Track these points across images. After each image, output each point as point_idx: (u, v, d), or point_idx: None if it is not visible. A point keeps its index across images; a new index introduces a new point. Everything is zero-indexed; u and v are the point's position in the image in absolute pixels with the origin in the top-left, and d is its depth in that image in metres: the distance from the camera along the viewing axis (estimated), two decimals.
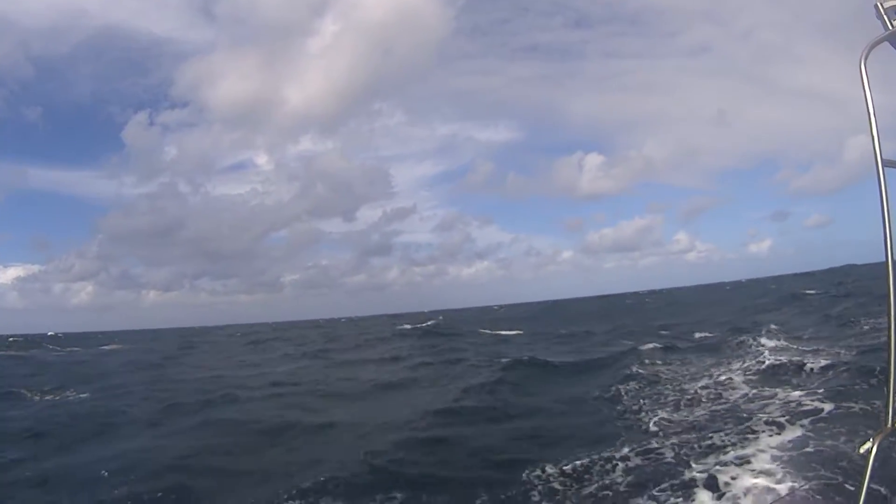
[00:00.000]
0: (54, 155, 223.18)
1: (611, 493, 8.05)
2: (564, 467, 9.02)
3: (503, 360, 21.72)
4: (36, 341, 64.29)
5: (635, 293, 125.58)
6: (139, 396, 19.17)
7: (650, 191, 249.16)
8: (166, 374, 26.90)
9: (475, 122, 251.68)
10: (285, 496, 8.82)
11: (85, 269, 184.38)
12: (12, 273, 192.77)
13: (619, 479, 8.51)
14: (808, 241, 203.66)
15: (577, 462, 9.19)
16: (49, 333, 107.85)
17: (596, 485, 8.40)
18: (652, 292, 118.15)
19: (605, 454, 9.47)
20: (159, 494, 9.25)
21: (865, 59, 2.08)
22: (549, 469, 9.03)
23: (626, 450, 9.58)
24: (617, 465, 9.03)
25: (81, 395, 20.54)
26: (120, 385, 22.41)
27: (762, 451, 8.73)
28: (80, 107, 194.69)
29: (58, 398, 20.43)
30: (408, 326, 51.40)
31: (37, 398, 20.53)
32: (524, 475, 8.91)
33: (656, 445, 9.70)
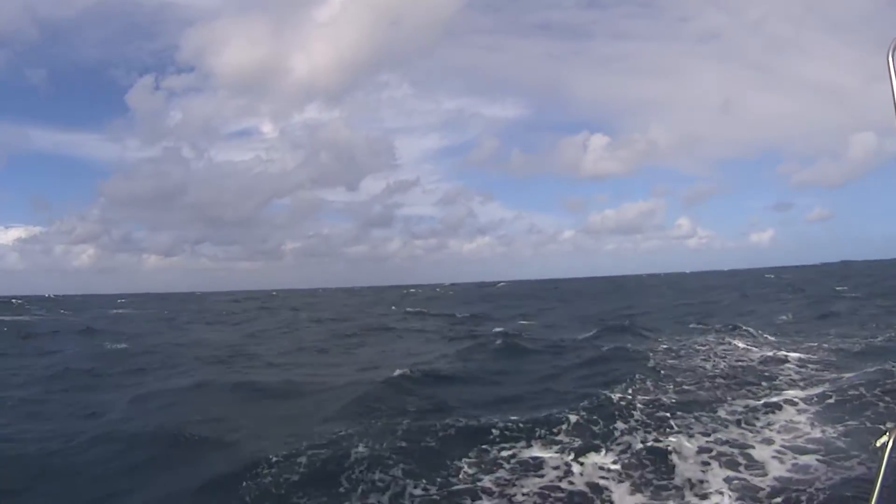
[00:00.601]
0: (57, 117, 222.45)
1: None
2: None
3: None
4: (48, 306, 64.60)
5: (636, 276, 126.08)
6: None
7: (654, 174, 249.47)
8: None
9: (482, 98, 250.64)
10: None
11: (86, 232, 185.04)
12: (13, 234, 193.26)
13: None
14: (808, 233, 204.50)
15: None
16: (48, 295, 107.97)
17: None
18: (653, 276, 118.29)
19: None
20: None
21: (893, 51, 2.08)
22: None
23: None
24: None
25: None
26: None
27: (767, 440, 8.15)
28: (85, 69, 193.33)
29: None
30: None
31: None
32: None
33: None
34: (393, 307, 47.27)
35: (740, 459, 7.32)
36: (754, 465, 7.16)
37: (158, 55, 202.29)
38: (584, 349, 16.90)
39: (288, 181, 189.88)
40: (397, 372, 13.04)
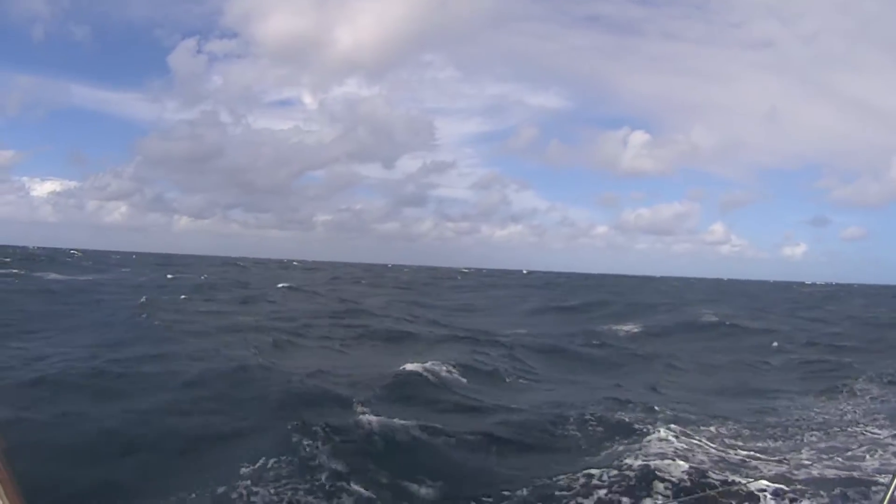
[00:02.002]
0: (99, 74, 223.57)
1: None
2: None
3: None
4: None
5: (663, 278, 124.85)
6: None
7: (692, 177, 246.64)
8: None
9: (526, 86, 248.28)
10: None
11: (120, 189, 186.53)
12: (48, 187, 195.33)
13: None
14: (842, 252, 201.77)
15: None
16: (71, 251, 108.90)
17: None
18: (683, 280, 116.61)
19: None
20: None
21: None
22: None
23: None
24: None
25: None
26: None
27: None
28: (129, 28, 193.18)
29: None
30: None
31: None
32: None
33: None
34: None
35: None
36: None
37: (204, 19, 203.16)
38: None
39: (324, 153, 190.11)
40: None
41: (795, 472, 7.88)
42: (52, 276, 41.40)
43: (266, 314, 24.43)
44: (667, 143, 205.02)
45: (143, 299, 24.67)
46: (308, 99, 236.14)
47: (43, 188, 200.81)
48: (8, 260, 54.08)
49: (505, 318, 30.45)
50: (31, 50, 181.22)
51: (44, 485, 6.54)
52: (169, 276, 46.99)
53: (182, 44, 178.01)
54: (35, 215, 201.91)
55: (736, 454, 8.96)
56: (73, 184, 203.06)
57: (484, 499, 7.33)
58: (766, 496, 6.71)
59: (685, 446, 8.92)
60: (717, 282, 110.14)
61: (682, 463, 7.82)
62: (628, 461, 8.06)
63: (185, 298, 28.27)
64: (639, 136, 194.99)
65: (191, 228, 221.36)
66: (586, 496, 7.20)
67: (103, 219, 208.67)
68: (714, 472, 7.66)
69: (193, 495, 6.91)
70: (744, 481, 7.10)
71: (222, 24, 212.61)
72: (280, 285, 40.20)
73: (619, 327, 26.50)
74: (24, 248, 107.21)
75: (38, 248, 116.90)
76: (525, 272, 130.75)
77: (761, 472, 7.86)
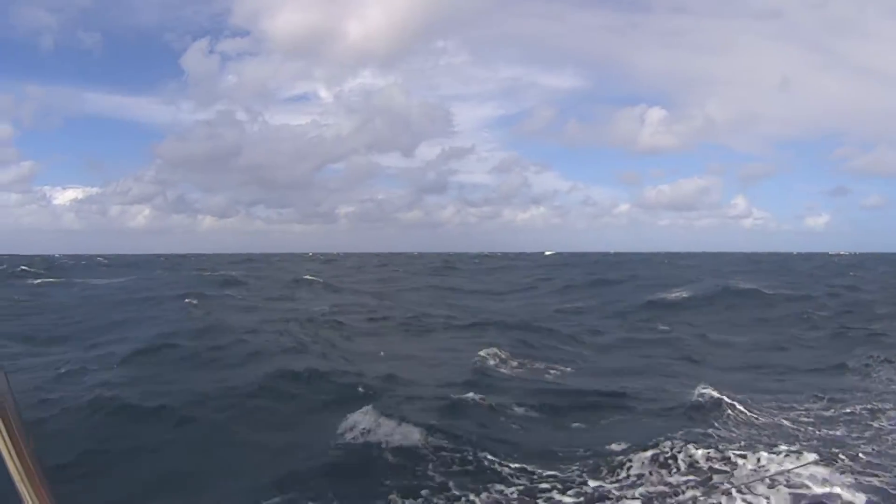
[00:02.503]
0: (112, 80, 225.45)
1: None
2: None
3: None
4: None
5: (689, 253, 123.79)
6: None
7: (710, 151, 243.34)
8: None
9: (540, 67, 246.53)
10: None
11: (142, 193, 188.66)
12: (70, 195, 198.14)
13: None
14: (863, 221, 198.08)
15: None
16: (97, 257, 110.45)
17: None
18: (711, 255, 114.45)
19: None
20: None
21: None
22: None
23: None
24: None
25: None
26: None
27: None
28: (138, 33, 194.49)
29: None
30: None
31: None
32: None
33: None
34: None
35: None
36: None
37: (213, 19, 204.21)
38: None
39: (343, 146, 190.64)
40: None
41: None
42: (94, 281, 42.25)
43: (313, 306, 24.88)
44: (683, 119, 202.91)
45: (186, 295, 25.20)
46: (323, 92, 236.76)
47: (64, 196, 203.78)
48: (44, 270, 55.08)
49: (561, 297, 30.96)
50: (42, 60, 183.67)
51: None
52: (206, 272, 47.69)
53: (193, 45, 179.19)
54: (58, 223, 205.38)
55: None
56: (94, 190, 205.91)
57: None
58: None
59: None
60: (747, 255, 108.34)
61: None
62: None
63: (226, 294, 28.91)
64: (656, 113, 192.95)
65: (215, 228, 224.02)
66: None
67: (127, 223, 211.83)
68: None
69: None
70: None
71: (232, 22, 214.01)
72: (306, 277, 40.62)
73: (666, 295, 27.23)
74: (50, 256, 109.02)
75: (63, 255, 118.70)
76: (547, 253, 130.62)
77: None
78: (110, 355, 13.31)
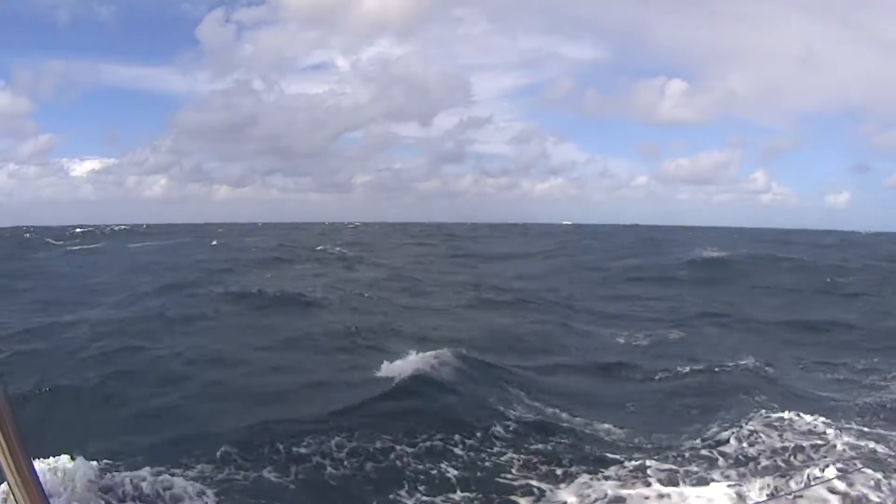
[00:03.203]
0: (129, 52, 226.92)
1: None
2: None
3: None
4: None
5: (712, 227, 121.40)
6: None
7: (731, 124, 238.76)
8: None
9: (560, 37, 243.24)
10: None
11: (158, 163, 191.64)
12: (88, 166, 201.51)
13: None
14: (886, 199, 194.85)
15: None
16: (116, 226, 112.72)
17: None
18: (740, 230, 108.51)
19: None
20: None
21: None
22: None
23: None
24: None
25: None
26: None
27: None
28: (155, 4, 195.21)
29: None
30: None
31: None
32: None
33: None
34: None
35: None
36: None
37: None
38: None
39: (360, 115, 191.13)
40: None
41: None
42: (148, 243, 45.63)
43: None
44: (704, 91, 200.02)
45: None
46: (341, 61, 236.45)
47: (82, 168, 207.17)
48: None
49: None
50: (59, 34, 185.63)
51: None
52: (214, 242, 49.75)
53: (209, 15, 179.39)
54: (76, 195, 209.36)
55: None
56: (112, 161, 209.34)
57: None
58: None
59: None
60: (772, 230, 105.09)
61: None
62: None
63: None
64: (676, 85, 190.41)
65: (231, 197, 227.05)
66: None
67: (143, 193, 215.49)
68: None
69: None
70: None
71: None
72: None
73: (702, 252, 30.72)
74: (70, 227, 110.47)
75: (80, 225, 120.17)
76: (568, 223, 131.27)
77: None
78: None
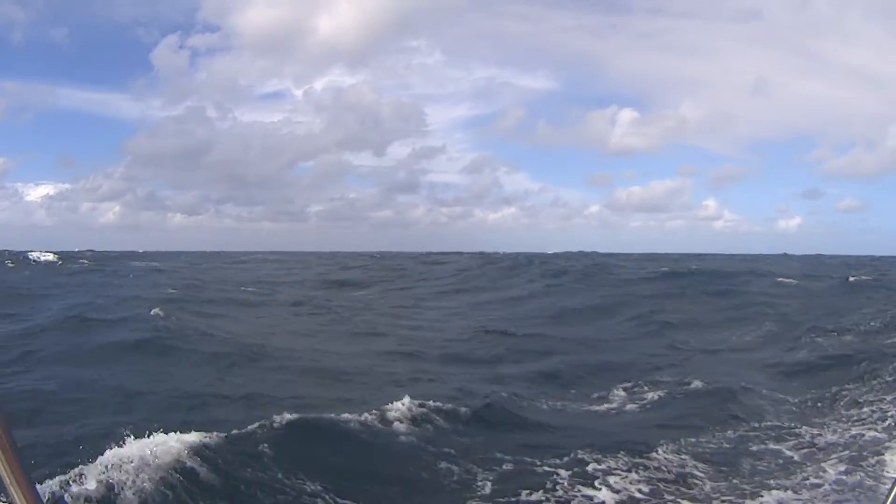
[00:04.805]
0: (83, 76, 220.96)
1: None
2: None
3: None
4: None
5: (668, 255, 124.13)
6: None
7: (683, 152, 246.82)
8: None
9: (514, 68, 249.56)
10: None
11: (112, 190, 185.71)
12: (42, 191, 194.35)
13: None
14: (838, 224, 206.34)
15: None
16: (76, 250, 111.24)
17: None
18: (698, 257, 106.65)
19: None
20: None
21: None
22: None
23: None
24: None
25: None
26: None
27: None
28: (109, 28, 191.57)
29: None
30: None
31: None
32: None
33: None
34: None
35: None
36: None
37: (185, 14, 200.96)
38: None
39: (314, 144, 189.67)
40: None
41: None
42: (134, 263, 45.85)
43: None
44: (656, 120, 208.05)
45: None
46: (295, 89, 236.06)
47: (37, 192, 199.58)
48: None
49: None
50: (12, 55, 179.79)
51: None
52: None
53: (164, 40, 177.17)
54: (31, 220, 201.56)
55: None
56: (66, 186, 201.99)
57: None
58: None
59: None
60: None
61: None
62: None
63: None
64: (627, 114, 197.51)
65: (185, 225, 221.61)
66: None
67: (98, 220, 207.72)
68: None
69: None
70: None
71: (202, 17, 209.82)
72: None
73: None
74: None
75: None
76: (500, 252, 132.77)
77: None
78: None
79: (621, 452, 8.41)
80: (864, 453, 8.53)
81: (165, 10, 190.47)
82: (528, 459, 8.24)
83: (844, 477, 7.76)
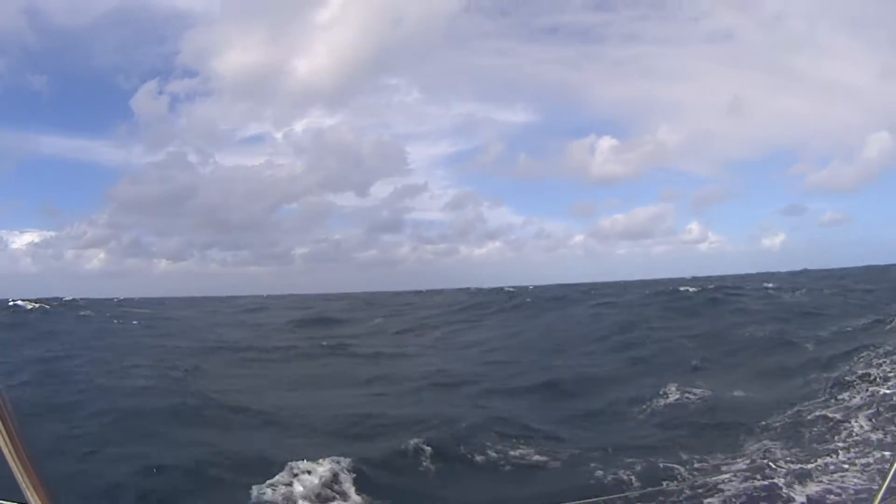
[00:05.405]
0: (65, 123, 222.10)
1: None
2: None
3: None
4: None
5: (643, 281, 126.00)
6: None
7: (664, 177, 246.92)
8: None
9: (492, 103, 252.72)
10: None
11: (96, 237, 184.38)
12: (27, 238, 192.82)
13: None
14: (821, 238, 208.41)
15: None
16: (66, 298, 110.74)
17: None
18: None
19: None
20: None
21: None
22: None
23: None
24: None
25: None
26: None
27: None
28: (89, 75, 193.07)
29: None
30: None
31: None
32: None
33: None
34: None
35: None
36: None
37: (163, 59, 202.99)
38: None
39: (296, 186, 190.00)
40: None
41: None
42: (136, 310, 45.98)
43: None
44: (635, 146, 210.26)
45: None
46: (275, 132, 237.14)
47: (22, 240, 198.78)
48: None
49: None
50: None
51: None
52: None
53: (143, 86, 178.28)
54: (16, 268, 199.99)
55: None
56: (50, 234, 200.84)
57: None
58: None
59: None
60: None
61: None
62: None
63: None
64: (607, 142, 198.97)
65: (170, 271, 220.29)
66: None
67: (83, 266, 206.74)
68: None
69: None
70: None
71: (181, 62, 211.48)
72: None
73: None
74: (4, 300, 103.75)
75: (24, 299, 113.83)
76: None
77: None
78: None
79: None
80: None
81: (144, 56, 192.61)
82: None
83: None
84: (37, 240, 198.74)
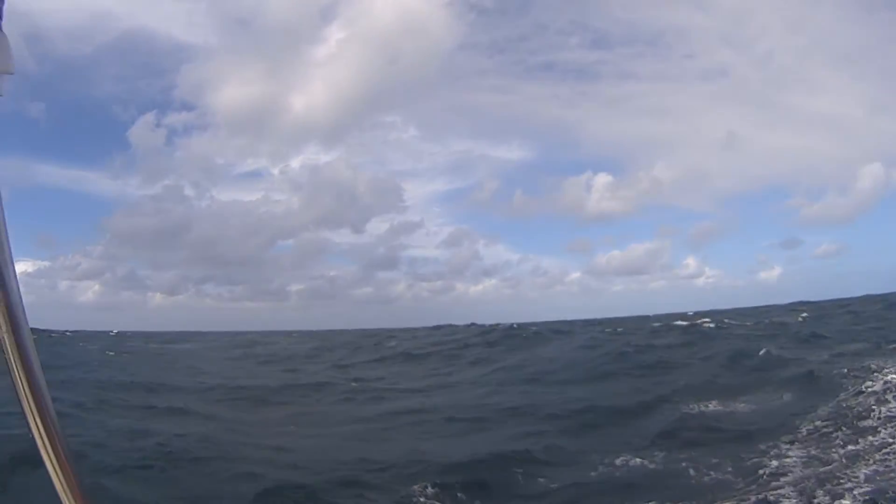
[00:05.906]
0: (61, 153, 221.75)
1: None
2: None
3: None
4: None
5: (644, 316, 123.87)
6: None
7: (659, 213, 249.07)
8: None
9: (489, 140, 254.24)
10: None
11: (91, 269, 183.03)
12: (21, 268, 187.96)
13: None
14: (818, 270, 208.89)
15: None
16: (64, 330, 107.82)
17: None
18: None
19: None
20: None
21: None
22: None
23: None
24: None
25: None
26: None
27: None
28: (87, 105, 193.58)
29: None
30: None
31: None
32: None
33: None
34: None
35: None
36: None
37: (162, 92, 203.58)
38: None
39: (292, 222, 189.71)
40: None
41: None
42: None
43: None
44: (631, 183, 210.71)
45: None
46: (271, 168, 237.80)
47: (16, 269, 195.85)
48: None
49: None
50: None
51: None
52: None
53: (141, 118, 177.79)
54: None
55: None
56: (44, 264, 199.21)
57: None
58: None
59: None
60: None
61: None
62: None
63: None
64: (602, 179, 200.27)
65: (165, 305, 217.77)
66: None
67: (77, 298, 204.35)
68: None
69: None
70: None
71: (178, 96, 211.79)
72: None
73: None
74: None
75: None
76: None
77: None
78: None
79: None
80: None
81: (143, 87, 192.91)
82: None
83: None
84: (31, 269, 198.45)
